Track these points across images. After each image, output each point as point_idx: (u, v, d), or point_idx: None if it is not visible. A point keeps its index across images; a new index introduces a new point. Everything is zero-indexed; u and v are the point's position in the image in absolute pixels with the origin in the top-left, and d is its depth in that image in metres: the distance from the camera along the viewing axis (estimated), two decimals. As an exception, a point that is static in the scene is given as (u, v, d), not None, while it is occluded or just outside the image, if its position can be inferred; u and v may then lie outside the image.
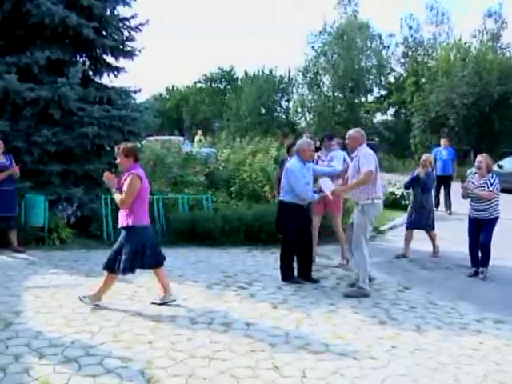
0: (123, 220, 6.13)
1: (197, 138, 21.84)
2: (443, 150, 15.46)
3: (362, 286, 7.01)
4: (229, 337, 5.45)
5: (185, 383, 4.43)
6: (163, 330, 5.60)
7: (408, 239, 9.44)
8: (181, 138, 22.11)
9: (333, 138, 8.78)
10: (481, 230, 8.02)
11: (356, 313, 6.38)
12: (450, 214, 14.53)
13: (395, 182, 16.05)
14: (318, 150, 8.61)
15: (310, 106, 42.34)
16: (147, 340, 5.28)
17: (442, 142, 15.88)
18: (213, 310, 6.29)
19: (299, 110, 43.51)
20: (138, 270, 6.43)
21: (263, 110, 45.22)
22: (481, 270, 8.05)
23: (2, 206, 8.70)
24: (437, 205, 14.41)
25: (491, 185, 7.99)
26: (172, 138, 20.26)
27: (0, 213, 8.71)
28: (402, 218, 12.41)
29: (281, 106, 46.67)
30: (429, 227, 9.43)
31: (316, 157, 8.47)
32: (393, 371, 4.79)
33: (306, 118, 43.32)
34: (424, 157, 9.70)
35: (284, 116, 46.29)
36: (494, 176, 8.17)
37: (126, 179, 6.06)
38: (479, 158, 8.16)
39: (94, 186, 10.65)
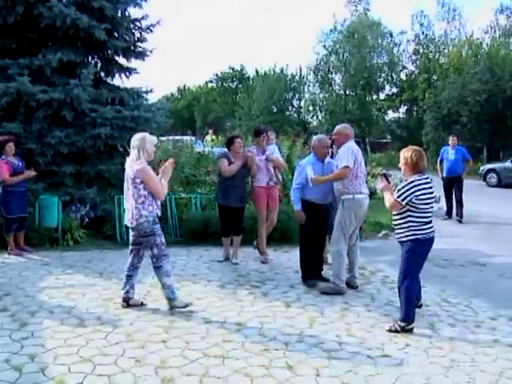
0: None
1: (208, 137, 21.70)
2: (450, 150, 13.56)
3: (337, 283, 6.87)
4: (242, 336, 5.45)
5: (199, 382, 4.42)
6: (177, 329, 5.60)
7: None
8: (193, 138, 21.83)
9: (265, 132, 8.72)
10: None
11: (369, 311, 6.35)
12: (461, 221, 12.92)
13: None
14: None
15: (321, 104, 42.50)
16: (161, 339, 5.29)
17: (450, 140, 13.91)
18: (226, 308, 6.27)
19: (311, 108, 43.72)
20: (150, 270, 6.41)
21: (275, 109, 45.26)
22: None
23: (17, 207, 8.72)
24: (448, 212, 13.37)
25: None
26: (184, 137, 20.00)
27: (15, 214, 8.73)
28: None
29: (292, 105, 46.80)
30: None
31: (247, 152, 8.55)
32: (407, 369, 4.77)
33: (317, 117, 43.51)
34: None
35: (296, 115, 46.37)
36: None
37: None
38: None
39: (107, 186, 10.69)
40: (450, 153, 13.51)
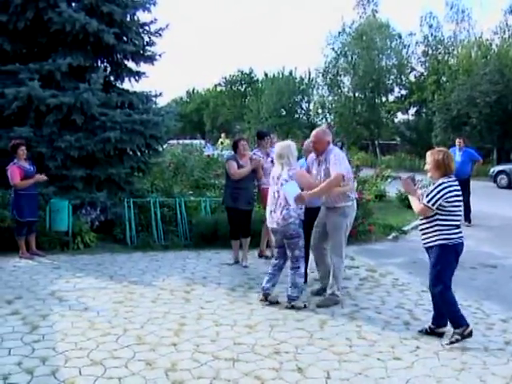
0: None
1: (221, 140, 21.84)
2: (457, 152, 13.11)
3: (337, 294, 6.59)
4: (252, 338, 5.43)
5: (209, 385, 4.39)
6: (187, 332, 5.59)
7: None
8: (202, 141, 21.89)
9: (268, 135, 8.80)
10: None
11: (379, 313, 6.32)
12: (469, 225, 12.51)
13: (417, 182, 15.84)
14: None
15: (330, 106, 42.20)
16: (171, 342, 5.28)
17: (457, 142, 13.59)
18: (236, 311, 6.25)
19: (320, 111, 43.47)
20: (160, 273, 6.40)
21: (284, 112, 44.87)
22: None
23: (28, 211, 8.74)
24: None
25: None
26: (194, 141, 20.10)
27: (26, 217, 8.74)
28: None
29: (301, 108, 46.33)
30: None
31: (252, 154, 8.65)
32: (417, 372, 4.75)
33: (326, 119, 42.92)
34: None
35: (305, 117, 45.94)
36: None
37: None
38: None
39: (117, 190, 10.71)
40: (456, 154, 12.98)
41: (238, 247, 8.60)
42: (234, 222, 8.49)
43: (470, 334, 5.37)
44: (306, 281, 7.17)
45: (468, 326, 5.37)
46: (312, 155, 6.75)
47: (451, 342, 5.36)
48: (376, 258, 8.91)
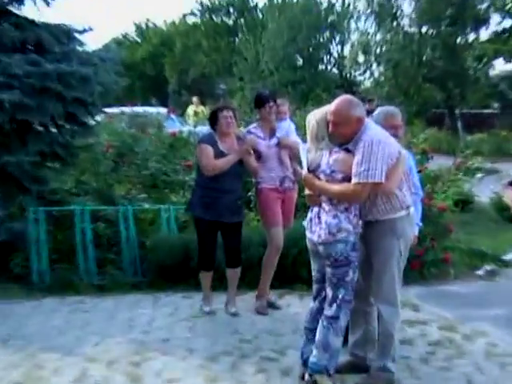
0: None
1: (191, 109, 17.44)
2: None
3: (390, 368, 4.72)
4: None
5: None
6: None
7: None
8: (163, 111, 16.49)
9: (272, 100, 6.32)
10: None
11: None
12: None
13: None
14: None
15: (379, 51, 27.79)
16: None
17: None
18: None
19: (361, 59, 28.60)
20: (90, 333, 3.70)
21: (300, 61, 30.03)
22: None
23: None
24: None
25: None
26: (148, 109, 15.36)
27: None
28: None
29: (329, 54, 30.46)
30: None
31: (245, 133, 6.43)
32: None
33: (372, 73, 29.21)
34: None
35: (335, 70, 30.91)
36: None
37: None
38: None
39: (17, 191, 7.96)
40: None
41: (209, 283, 6.37)
42: (206, 241, 6.28)
43: None
44: (346, 341, 5.05)
45: None
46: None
47: None
48: (457, 307, 6.64)
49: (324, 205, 4.54)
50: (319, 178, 4.45)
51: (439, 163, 11.17)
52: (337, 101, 4.46)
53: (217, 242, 6.25)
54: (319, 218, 4.60)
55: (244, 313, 6.35)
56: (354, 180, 4.22)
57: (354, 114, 4.35)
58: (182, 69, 37.79)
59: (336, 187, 4.40)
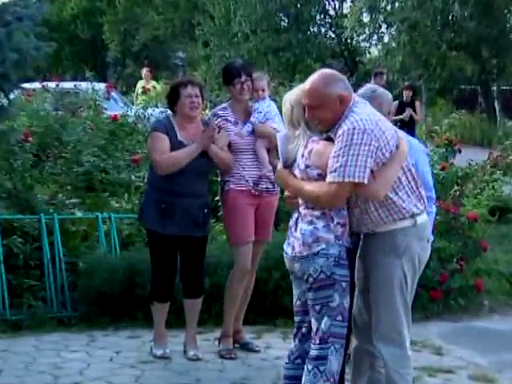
0: None
1: (139, 85, 15.01)
2: None
3: None
4: None
5: None
6: None
7: None
8: (101, 87, 13.67)
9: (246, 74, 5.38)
10: None
11: None
12: None
13: None
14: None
15: (389, 8, 22.45)
16: None
17: None
18: None
19: (366, 18, 23.19)
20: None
21: (285, 21, 25.47)
22: None
23: None
24: None
25: None
26: (81, 85, 13.50)
27: None
28: None
29: (324, 11, 25.31)
30: None
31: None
32: None
33: (381, 38, 23.84)
34: None
35: (332, 35, 25.88)
36: None
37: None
38: None
39: None
40: None
41: (164, 318, 5.37)
42: (162, 262, 5.29)
43: None
44: None
45: None
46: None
47: None
48: (493, 350, 5.66)
49: (300, 209, 3.95)
50: (295, 175, 3.88)
51: (469, 158, 10.13)
52: (311, 78, 3.77)
53: (177, 264, 5.17)
54: (296, 225, 4.00)
55: (209, 357, 5.32)
56: (328, 178, 3.61)
57: (334, 91, 3.65)
58: (127, 30, 31.29)
59: (308, 187, 3.83)
